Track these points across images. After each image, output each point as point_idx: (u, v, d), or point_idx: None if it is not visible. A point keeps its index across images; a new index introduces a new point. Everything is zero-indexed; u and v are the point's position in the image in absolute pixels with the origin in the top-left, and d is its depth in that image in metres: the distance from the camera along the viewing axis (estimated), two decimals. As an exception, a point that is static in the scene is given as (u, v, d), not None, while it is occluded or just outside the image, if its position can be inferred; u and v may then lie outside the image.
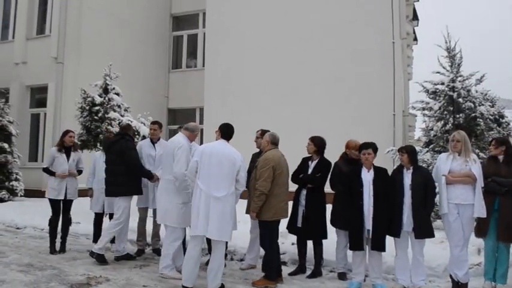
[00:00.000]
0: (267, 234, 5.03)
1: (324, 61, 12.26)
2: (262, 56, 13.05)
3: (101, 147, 7.35)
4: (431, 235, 4.81)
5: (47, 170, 6.43)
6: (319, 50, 12.37)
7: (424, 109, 9.02)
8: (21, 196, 11.81)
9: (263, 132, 5.79)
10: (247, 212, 5.44)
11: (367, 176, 4.95)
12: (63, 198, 6.37)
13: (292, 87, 12.51)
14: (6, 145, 11.68)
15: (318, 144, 5.48)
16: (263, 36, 13.13)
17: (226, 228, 4.66)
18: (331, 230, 5.49)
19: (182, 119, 16.24)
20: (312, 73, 12.37)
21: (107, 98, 9.56)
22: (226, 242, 5.03)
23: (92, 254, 5.76)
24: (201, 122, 13.94)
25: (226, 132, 5.00)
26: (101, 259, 5.74)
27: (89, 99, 9.40)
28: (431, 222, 4.94)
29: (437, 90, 8.73)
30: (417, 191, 4.78)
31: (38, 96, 13.74)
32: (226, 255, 5.86)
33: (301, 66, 12.52)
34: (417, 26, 28.24)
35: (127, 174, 5.83)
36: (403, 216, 4.80)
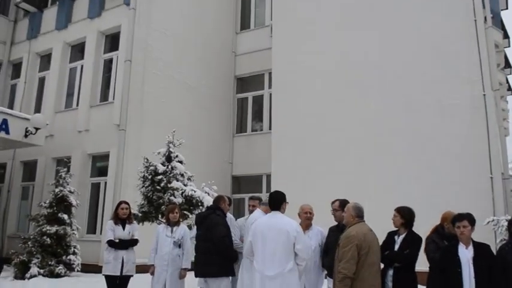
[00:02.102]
0: None
1: (406, 119, 12.02)
2: (336, 115, 12.99)
3: (163, 220, 7.52)
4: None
5: (114, 243, 6.61)
6: (400, 106, 12.19)
7: (529, 171, 8.55)
8: (77, 271, 12.20)
9: (340, 203, 5.72)
10: None
11: (466, 254, 4.68)
12: (119, 274, 6.51)
13: (370, 148, 12.26)
14: (65, 216, 12.27)
15: (406, 216, 5.27)
16: (336, 94, 13.15)
17: None
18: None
19: (247, 187, 16.39)
20: (393, 132, 12.10)
21: (169, 167, 9.89)
22: None
23: None
24: (268, 191, 13.85)
25: (273, 203, 5.00)
26: None
27: (152, 168, 9.77)
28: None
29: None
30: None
31: (99, 164, 14.51)
32: None
33: (379, 125, 12.31)
34: (510, 74, 27.36)
35: (217, 253, 5.80)
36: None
